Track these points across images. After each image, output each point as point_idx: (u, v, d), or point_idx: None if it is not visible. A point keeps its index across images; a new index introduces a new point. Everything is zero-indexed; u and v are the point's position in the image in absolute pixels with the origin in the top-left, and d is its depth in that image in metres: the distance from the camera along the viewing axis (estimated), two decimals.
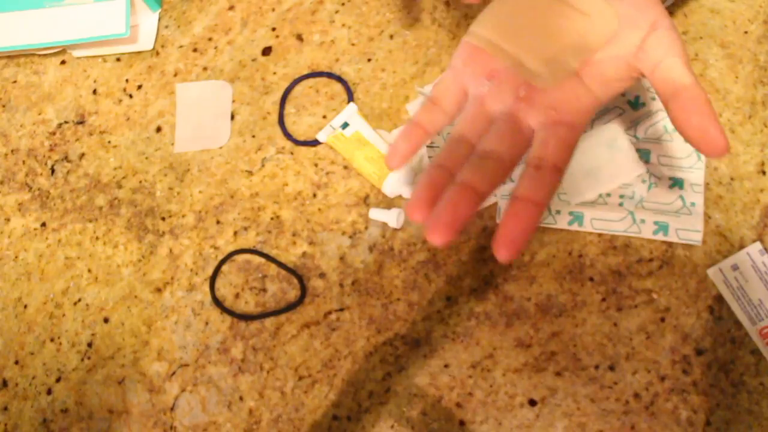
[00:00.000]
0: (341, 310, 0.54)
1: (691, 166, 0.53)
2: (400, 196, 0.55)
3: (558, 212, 0.53)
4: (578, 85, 0.36)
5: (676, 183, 0.53)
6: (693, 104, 0.34)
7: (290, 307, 0.55)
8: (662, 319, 0.51)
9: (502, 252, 0.32)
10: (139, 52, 0.64)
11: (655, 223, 0.52)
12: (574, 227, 0.53)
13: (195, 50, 0.63)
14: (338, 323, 0.54)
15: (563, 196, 0.53)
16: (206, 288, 0.56)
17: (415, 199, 0.34)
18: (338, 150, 0.57)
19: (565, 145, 0.35)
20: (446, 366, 0.52)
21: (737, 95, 0.55)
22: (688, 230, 0.51)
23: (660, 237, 0.52)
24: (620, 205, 0.52)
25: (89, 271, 0.58)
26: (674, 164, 0.53)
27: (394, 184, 0.54)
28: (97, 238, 0.59)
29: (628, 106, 0.54)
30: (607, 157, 0.53)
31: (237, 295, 0.56)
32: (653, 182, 0.53)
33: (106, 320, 0.57)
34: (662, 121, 0.53)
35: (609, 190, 0.53)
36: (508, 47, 0.37)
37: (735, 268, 0.50)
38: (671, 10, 0.57)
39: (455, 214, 0.33)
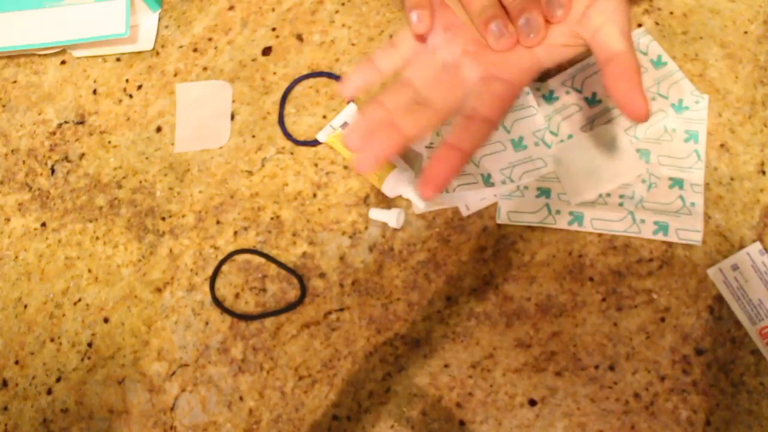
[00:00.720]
0: (341, 310, 0.54)
1: (691, 166, 0.53)
2: (400, 196, 0.56)
3: (558, 212, 0.53)
4: (522, 47, 0.38)
5: (676, 183, 0.53)
6: (622, 70, 0.36)
7: (290, 307, 0.55)
8: (662, 319, 0.51)
9: (425, 190, 0.35)
10: (139, 52, 0.64)
11: (655, 223, 0.52)
12: (574, 227, 0.53)
13: (195, 50, 0.63)
14: (338, 323, 0.54)
15: (563, 196, 0.53)
16: (206, 288, 0.56)
17: (351, 130, 0.37)
18: (338, 150, 0.57)
19: (498, 100, 0.37)
20: (446, 366, 0.52)
21: (737, 95, 0.55)
22: (688, 230, 0.51)
23: (660, 237, 0.52)
24: (620, 205, 0.53)
25: (89, 271, 0.58)
26: (674, 164, 0.53)
27: (394, 183, 0.54)
28: (97, 238, 0.59)
29: None
30: (607, 157, 0.53)
31: (237, 295, 0.56)
32: (653, 182, 0.53)
33: (106, 320, 0.57)
34: (662, 121, 0.53)
35: (609, 190, 0.53)
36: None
37: (735, 268, 0.50)
38: None
39: (379, 151, 0.36)
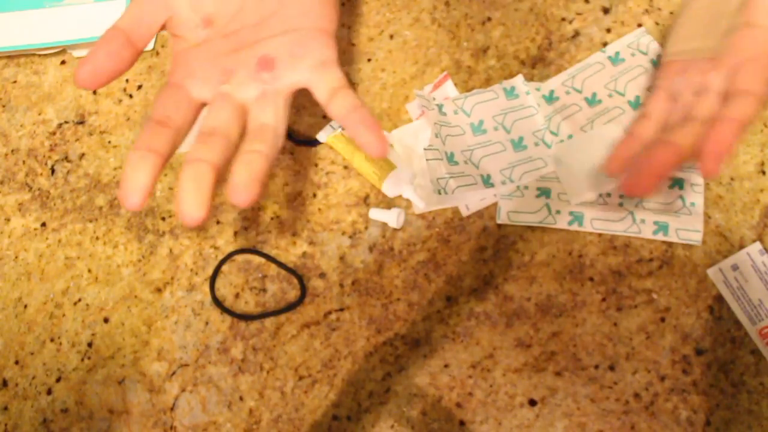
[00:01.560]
0: (341, 310, 0.54)
1: (691, 166, 0.53)
2: (400, 196, 0.56)
3: (558, 212, 0.53)
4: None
5: (676, 183, 0.53)
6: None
7: (290, 307, 0.55)
8: (662, 319, 0.51)
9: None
10: None
11: (655, 223, 0.52)
12: (574, 227, 0.53)
13: None
14: (338, 323, 0.54)
15: (563, 196, 0.53)
16: (206, 288, 0.56)
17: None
18: (338, 150, 0.57)
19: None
20: (446, 366, 0.52)
21: None
22: (688, 230, 0.51)
23: (660, 237, 0.52)
24: (620, 204, 0.52)
25: (89, 271, 0.58)
26: None
27: (395, 183, 0.54)
28: (97, 238, 0.59)
29: (628, 106, 0.54)
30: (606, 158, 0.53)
31: (237, 295, 0.56)
32: None
33: (106, 320, 0.57)
34: None
35: (610, 189, 0.53)
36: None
37: (735, 268, 0.50)
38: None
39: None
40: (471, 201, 0.55)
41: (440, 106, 0.55)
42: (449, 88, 0.56)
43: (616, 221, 0.52)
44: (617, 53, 0.56)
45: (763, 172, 0.53)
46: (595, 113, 0.55)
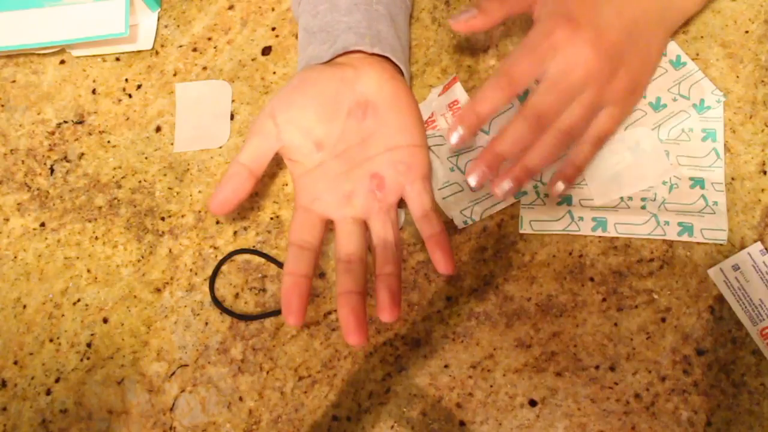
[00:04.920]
0: None
1: (711, 165, 0.52)
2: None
3: (581, 218, 0.52)
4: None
5: (697, 182, 0.52)
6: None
7: None
8: (663, 320, 0.51)
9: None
10: (139, 52, 0.64)
11: (680, 224, 0.51)
12: (598, 233, 0.52)
13: (194, 50, 0.63)
14: (338, 323, 0.54)
15: (585, 202, 0.53)
16: (206, 288, 0.56)
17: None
18: None
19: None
20: (446, 366, 0.52)
21: (738, 95, 0.55)
22: (713, 229, 0.51)
23: (685, 238, 0.51)
24: (643, 207, 0.52)
25: (88, 271, 0.58)
26: (693, 164, 0.53)
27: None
28: (96, 238, 0.59)
29: (650, 107, 0.54)
30: (631, 161, 0.53)
31: (237, 295, 0.56)
32: (674, 183, 0.52)
33: (105, 320, 0.57)
34: (685, 122, 0.53)
35: (632, 193, 0.52)
36: None
37: (736, 268, 0.50)
38: None
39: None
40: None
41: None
42: (458, 91, 0.56)
43: (639, 224, 0.52)
44: None
45: (764, 172, 0.53)
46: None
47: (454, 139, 0.46)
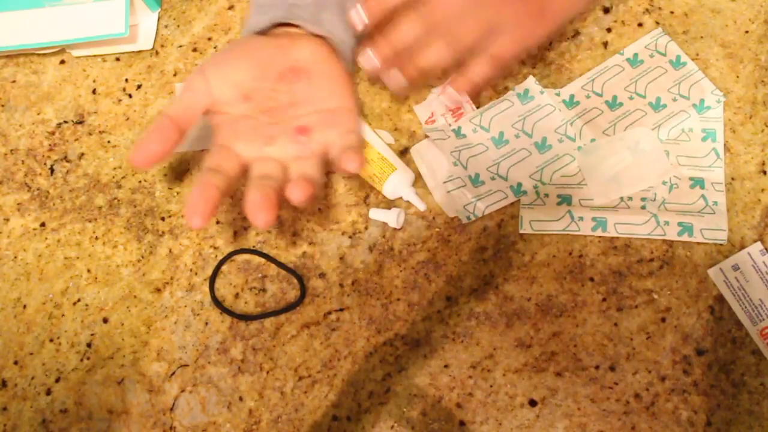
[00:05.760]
0: (341, 310, 0.54)
1: (711, 165, 0.52)
2: (400, 198, 0.55)
3: (581, 218, 0.52)
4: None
5: (697, 182, 0.52)
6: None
7: (290, 307, 0.54)
8: (663, 320, 0.51)
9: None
10: (139, 52, 0.63)
11: (679, 224, 0.51)
12: (598, 233, 0.52)
13: (195, 50, 0.63)
14: (338, 323, 0.54)
15: (584, 202, 0.53)
16: (206, 288, 0.56)
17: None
18: None
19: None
20: (446, 366, 0.52)
21: (738, 95, 0.55)
22: (713, 229, 0.51)
23: (685, 238, 0.51)
24: (642, 208, 0.52)
25: (88, 271, 0.58)
26: (694, 164, 0.53)
27: (395, 186, 0.54)
28: (96, 238, 0.59)
29: (650, 107, 0.54)
30: (631, 161, 0.53)
31: (237, 295, 0.56)
32: (674, 183, 0.52)
33: (105, 320, 0.57)
34: (685, 122, 0.53)
35: (632, 193, 0.52)
36: None
37: (736, 268, 0.50)
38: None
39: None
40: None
41: (458, 130, 0.55)
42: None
43: (639, 225, 0.52)
44: (635, 55, 0.56)
45: (764, 172, 0.53)
46: (617, 116, 0.54)
47: (354, 17, 0.50)
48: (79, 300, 0.57)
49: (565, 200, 0.53)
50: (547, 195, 0.54)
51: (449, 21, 0.48)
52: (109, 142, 0.61)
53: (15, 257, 0.59)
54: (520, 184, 0.53)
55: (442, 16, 0.48)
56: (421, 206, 0.54)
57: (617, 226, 0.52)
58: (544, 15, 0.50)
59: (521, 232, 0.53)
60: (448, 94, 0.52)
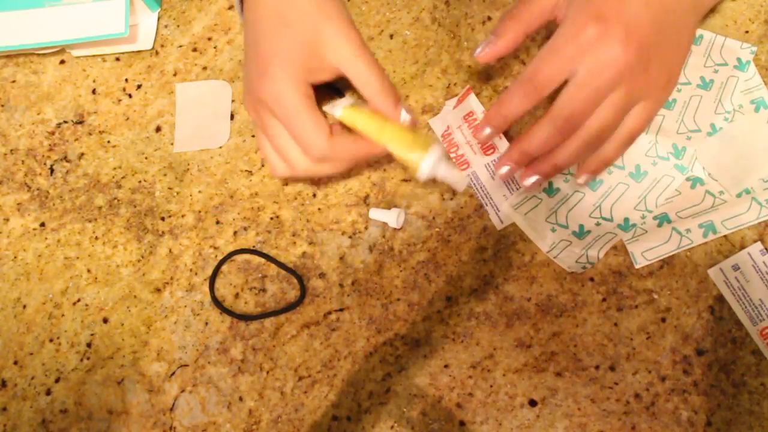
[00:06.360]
0: (341, 310, 0.54)
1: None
2: (399, 196, 0.55)
3: (688, 230, 0.51)
4: None
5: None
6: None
7: (290, 307, 0.54)
8: (663, 320, 0.51)
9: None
10: (139, 52, 0.63)
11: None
12: (710, 237, 0.51)
13: (194, 50, 0.63)
14: (338, 323, 0.54)
15: (681, 213, 0.51)
16: (206, 288, 0.56)
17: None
18: (357, 127, 0.49)
19: None
20: (446, 366, 0.52)
21: None
22: (733, 217, 0.50)
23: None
24: (738, 196, 0.51)
25: (88, 271, 0.58)
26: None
27: (436, 163, 0.48)
28: (96, 238, 0.59)
29: (700, 89, 0.52)
30: (752, 143, 0.51)
31: (237, 295, 0.56)
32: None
33: (105, 320, 0.57)
34: (738, 84, 0.52)
35: (766, 174, 0.50)
36: None
37: (736, 268, 0.50)
38: None
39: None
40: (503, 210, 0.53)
41: (549, 188, 0.53)
42: (473, 103, 0.54)
43: (743, 213, 0.50)
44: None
45: None
46: (678, 113, 0.52)
47: (482, 137, 0.46)
48: (79, 300, 0.57)
49: (664, 219, 0.52)
50: (644, 222, 0.52)
51: (584, 116, 0.44)
52: (109, 142, 0.61)
53: (15, 257, 0.59)
54: (627, 219, 0.52)
55: (576, 113, 0.44)
56: (461, 185, 0.50)
57: (725, 223, 0.50)
58: (671, 81, 0.47)
59: (637, 267, 0.52)
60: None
